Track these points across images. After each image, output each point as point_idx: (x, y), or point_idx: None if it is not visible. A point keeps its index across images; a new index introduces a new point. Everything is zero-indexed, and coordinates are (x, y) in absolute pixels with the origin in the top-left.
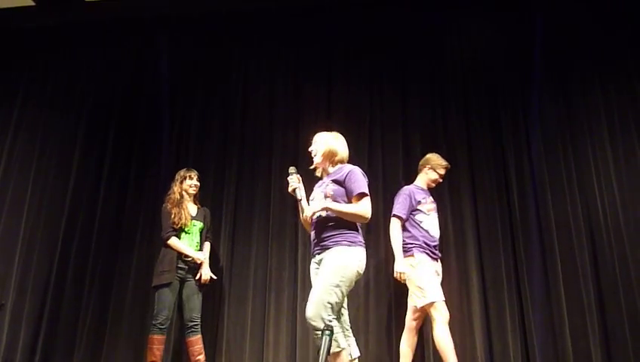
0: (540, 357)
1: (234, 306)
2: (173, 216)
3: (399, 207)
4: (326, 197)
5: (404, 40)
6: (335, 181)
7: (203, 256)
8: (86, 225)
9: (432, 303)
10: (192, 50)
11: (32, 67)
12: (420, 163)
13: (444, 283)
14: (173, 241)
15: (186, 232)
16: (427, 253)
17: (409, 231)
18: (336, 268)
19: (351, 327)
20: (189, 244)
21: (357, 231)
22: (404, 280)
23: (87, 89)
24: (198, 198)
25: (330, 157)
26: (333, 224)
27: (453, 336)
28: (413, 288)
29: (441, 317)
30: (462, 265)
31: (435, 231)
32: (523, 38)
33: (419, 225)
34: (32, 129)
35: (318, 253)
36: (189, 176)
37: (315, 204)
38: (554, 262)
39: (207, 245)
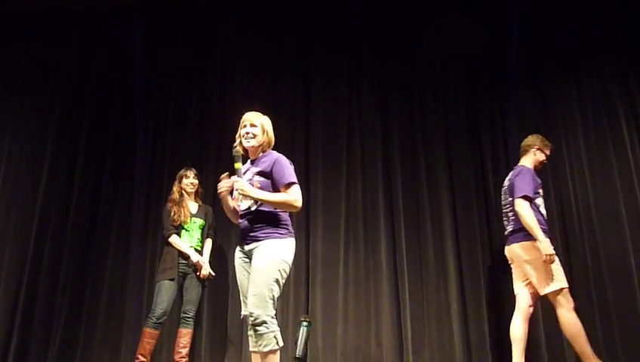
0: None
1: (212, 301)
2: (172, 214)
3: (526, 186)
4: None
5: (382, 39)
6: (260, 173)
7: (197, 259)
8: (59, 221)
9: (561, 289)
10: (168, 44)
11: (1, 58)
12: (525, 144)
13: (423, 274)
14: (173, 239)
15: (185, 229)
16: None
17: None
18: (274, 261)
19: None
20: (189, 241)
21: (288, 222)
22: (553, 261)
23: (60, 81)
24: (200, 196)
25: (263, 144)
26: (263, 215)
27: (430, 326)
28: (540, 274)
29: (569, 304)
30: (439, 257)
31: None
32: (500, 36)
33: (538, 208)
34: (1, 123)
35: (247, 244)
36: (186, 175)
37: (247, 190)
38: None
39: (208, 242)
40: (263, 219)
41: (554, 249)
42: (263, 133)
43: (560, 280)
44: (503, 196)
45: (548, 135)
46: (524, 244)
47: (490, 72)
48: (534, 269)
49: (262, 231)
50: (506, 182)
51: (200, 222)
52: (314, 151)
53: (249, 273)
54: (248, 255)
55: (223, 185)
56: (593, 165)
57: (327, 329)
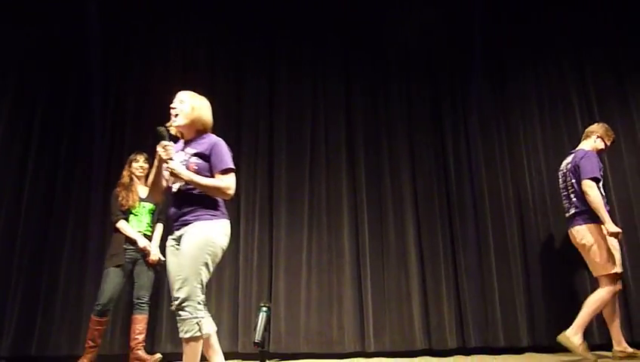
0: (472, 322)
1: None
2: (120, 199)
3: (593, 168)
4: (188, 170)
5: (346, 28)
6: (198, 154)
7: (143, 244)
8: (11, 208)
9: (615, 274)
10: (127, 32)
11: None
12: (589, 130)
13: (384, 260)
14: (121, 225)
15: (134, 214)
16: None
17: None
18: (204, 243)
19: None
20: (138, 226)
21: (221, 203)
22: (621, 239)
23: (12, 61)
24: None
25: (195, 123)
26: (193, 197)
27: (391, 310)
28: (595, 257)
29: (614, 288)
30: (401, 242)
31: None
32: (462, 25)
33: (601, 191)
34: None
35: (177, 229)
36: (136, 159)
37: (179, 171)
38: (486, 236)
39: (159, 226)
40: (193, 201)
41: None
42: (192, 111)
43: (615, 265)
44: (562, 178)
45: (506, 123)
46: (590, 227)
47: (452, 61)
48: (589, 252)
49: (192, 214)
50: (567, 165)
51: (150, 206)
52: (278, 139)
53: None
54: (179, 241)
55: (166, 152)
56: (548, 152)
57: (290, 314)
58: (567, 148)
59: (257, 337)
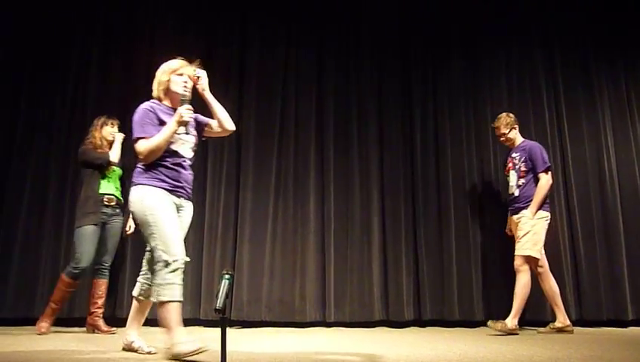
0: (429, 295)
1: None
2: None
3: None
4: None
5: (319, 3)
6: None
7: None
8: None
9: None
10: None
11: None
12: (511, 122)
13: (349, 230)
14: (113, 155)
15: (107, 177)
16: None
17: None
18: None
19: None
20: (107, 188)
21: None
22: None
23: None
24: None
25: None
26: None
27: (352, 280)
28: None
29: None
30: (365, 214)
31: None
32: (436, 3)
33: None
34: None
35: (184, 198)
36: (111, 124)
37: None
38: (448, 212)
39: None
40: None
41: (471, 212)
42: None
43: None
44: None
45: (475, 102)
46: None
47: (424, 38)
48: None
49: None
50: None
51: (119, 171)
52: (247, 106)
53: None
54: (178, 208)
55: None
56: None
57: (253, 282)
58: (532, 130)
59: (219, 304)
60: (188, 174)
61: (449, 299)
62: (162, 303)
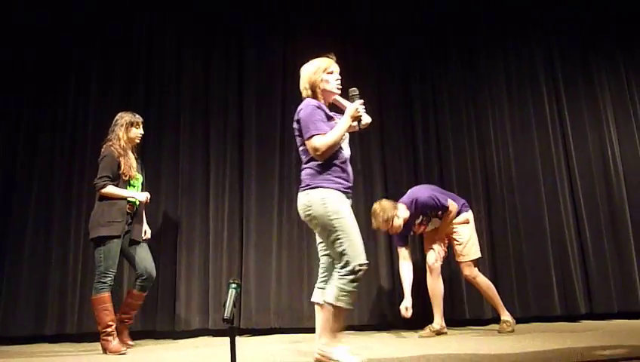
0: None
1: None
2: (123, 167)
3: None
4: None
5: (316, 3)
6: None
7: (144, 197)
8: None
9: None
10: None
11: None
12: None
13: None
14: (110, 190)
15: (131, 185)
16: None
17: None
18: None
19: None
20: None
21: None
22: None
23: None
24: (137, 149)
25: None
26: None
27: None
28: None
29: None
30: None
31: None
32: (434, 1)
33: None
34: None
35: (350, 198)
36: (137, 124)
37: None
38: None
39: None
40: None
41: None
42: None
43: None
44: None
45: (475, 100)
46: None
47: (422, 37)
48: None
49: None
50: None
51: (141, 178)
52: (248, 115)
53: None
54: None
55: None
56: (515, 129)
57: (261, 290)
58: (533, 125)
59: (227, 314)
60: (352, 172)
61: (458, 297)
62: (336, 307)
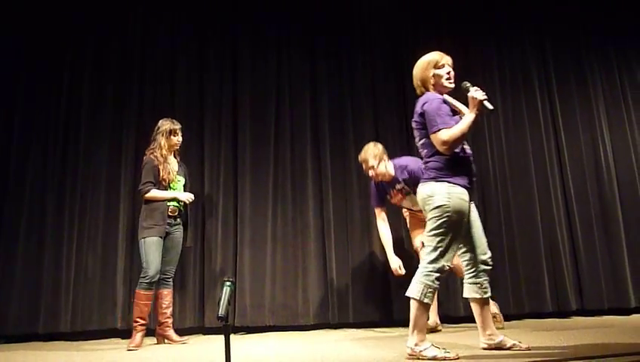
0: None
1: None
2: (162, 172)
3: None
4: None
5: (310, 2)
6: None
7: (186, 197)
8: None
9: None
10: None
11: None
12: (377, 154)
13: (349, 232)
14: (154, 193)
15: (172, 188)
16: None
17: None
18: None
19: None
20: (174, 201)
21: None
22: None
23: None
24: (178, 152)
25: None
26: None
27: (355, 282)
28: None
29: None
30: (365, 215)
31: None
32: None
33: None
34: None
35: (471, 198)
36: (175, 132)
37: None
38: None
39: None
40: None
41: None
42: None
43: None
44: None
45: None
46: None
47: (415, 33)
48: None
49: None
50: None
51: (183, 181)
52: (242, 112)
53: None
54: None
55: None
56: (508, 127)
57: (255, 287)
58: (526, 123)
59: (221, 312)
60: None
61: (454, 295)
62: (422, 304)
